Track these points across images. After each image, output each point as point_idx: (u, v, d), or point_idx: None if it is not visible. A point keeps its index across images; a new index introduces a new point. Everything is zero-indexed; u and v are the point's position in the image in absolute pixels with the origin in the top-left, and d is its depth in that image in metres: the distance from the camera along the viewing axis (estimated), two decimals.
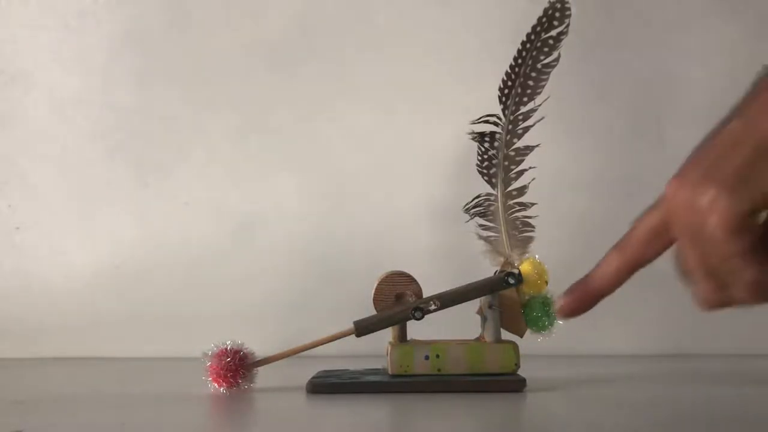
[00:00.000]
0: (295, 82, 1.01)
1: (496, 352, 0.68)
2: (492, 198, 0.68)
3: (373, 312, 0.69)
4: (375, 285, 0.69)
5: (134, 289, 0.99)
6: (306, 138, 1.01)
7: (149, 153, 1.01)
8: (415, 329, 0.70)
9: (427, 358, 0.68)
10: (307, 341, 0.70)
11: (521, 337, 0.69)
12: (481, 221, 0.69)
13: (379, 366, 0.73)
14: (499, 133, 0.68)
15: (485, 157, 0.68)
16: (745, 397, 0.64)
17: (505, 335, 0.69)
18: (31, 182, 1.01)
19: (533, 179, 0.69)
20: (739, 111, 0.54)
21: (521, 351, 0.68)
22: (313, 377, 0.70)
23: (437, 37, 1.01)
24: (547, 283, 0.68)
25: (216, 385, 0.68)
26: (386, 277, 0.69)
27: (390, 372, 0.68)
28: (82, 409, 0.64)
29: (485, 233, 0.69)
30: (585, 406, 0.63)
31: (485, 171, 0.68)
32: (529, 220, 0.68)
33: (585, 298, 0.57)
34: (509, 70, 0.68)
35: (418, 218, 0.97)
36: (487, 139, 0.68)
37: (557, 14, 0.66)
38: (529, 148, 0.68)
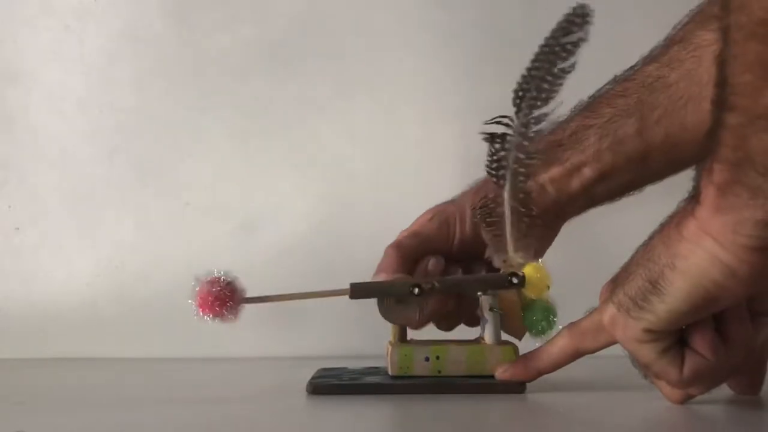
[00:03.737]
0: (295, 82, 1.01)
1: (496, 353, 0.68)
2: (499, 200, 0.67)
3: (375, 310, 0.69)
4: None
5: (134, 289, 0.99)
6: (306, 138, 1.01)
7: (149, 153, 1.01)
8: None
9: (427, 359, 0.68)
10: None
11: (519, 339, 0.69)
12: (487, 222, 0.67)
13: (377, 365, 0.73)
14: (511, 135, 0.67)
15: (494, 158, 0.67)
16: (746, 396, 0.64)
17: (505, 336, 0.69)
18: (31, 182, 1.01)
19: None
20: (664, 229, 0.55)
21: (522, 353, 0.68)
22: (313, 377, 0.70)
23: (437, 37, 1.01)
24: (548, 287, 0.67)
25: (201, 312, 0.65)
26: None
27: (390, 373, 0.68)
28: (82, 409, 0.64)
29: (490, 234, 0.68)
30: (585, 406, 0.63)
31: (494, 172, 0.67)
32: (534, 226, 0.67)
33: (525, 373, 0.65)
34: (525, 73, 0.66)
35: None
36: (498, 140, 0.66)
37: (578, 20, 0.65)
38: (540, 152, 0.66)
